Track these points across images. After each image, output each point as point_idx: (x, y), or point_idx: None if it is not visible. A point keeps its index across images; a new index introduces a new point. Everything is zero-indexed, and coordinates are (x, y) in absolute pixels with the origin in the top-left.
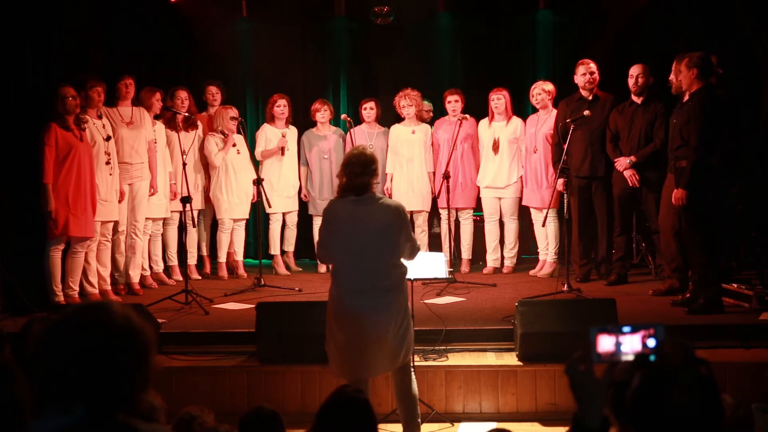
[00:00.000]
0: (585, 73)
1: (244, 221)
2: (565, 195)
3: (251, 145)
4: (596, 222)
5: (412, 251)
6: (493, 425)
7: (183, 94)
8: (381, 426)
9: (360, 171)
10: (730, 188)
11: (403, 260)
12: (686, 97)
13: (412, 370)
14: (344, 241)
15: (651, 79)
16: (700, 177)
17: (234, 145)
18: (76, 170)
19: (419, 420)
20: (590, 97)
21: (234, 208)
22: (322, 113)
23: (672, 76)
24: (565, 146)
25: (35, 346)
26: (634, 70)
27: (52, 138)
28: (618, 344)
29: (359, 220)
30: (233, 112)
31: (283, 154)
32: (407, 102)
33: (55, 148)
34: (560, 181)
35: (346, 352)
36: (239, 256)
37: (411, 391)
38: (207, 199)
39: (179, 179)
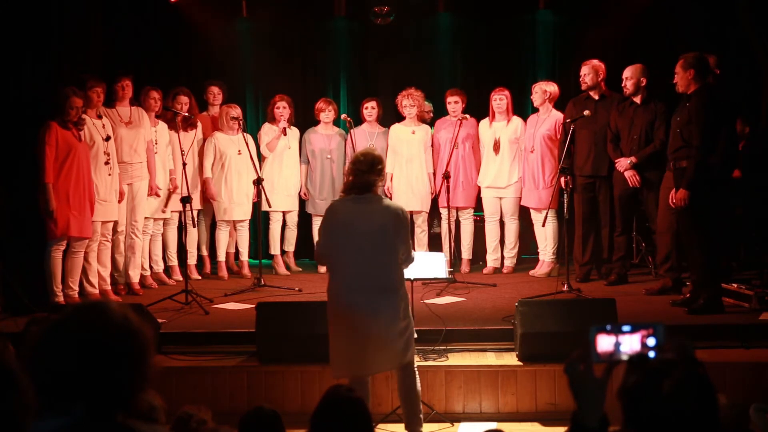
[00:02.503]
0: (582, 74)
1: (247, 222)
2: (565, 194)
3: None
4: (599, 221)
5: (407, 260)
6: (493, 425)
7: (184, 99)
8: (381, 426)
9: (366, 169)
10: (730, 188)
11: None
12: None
13: (416, 368)
14: (342, 239)
15: (644, 80)
16: (701, 177)
17: (285, 134)
18: (75, 170)
19: (421, 416)
20: (597, 97)
21: (235, 210)
22: (327, 113)
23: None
24: (566, 146)
25: (33, 347)
26: (624, 73)
27: (52, 137)
28: (617, 344)
29: (358, 218)
30: (234, 111)
31: (285, 134)
32: (410, 102)
33: (56, 148)
34: (561, 180)
35: (346, 351)
36: (244, 256)
37: (414, 390)
38: (206, 199)
39: (179, 179)
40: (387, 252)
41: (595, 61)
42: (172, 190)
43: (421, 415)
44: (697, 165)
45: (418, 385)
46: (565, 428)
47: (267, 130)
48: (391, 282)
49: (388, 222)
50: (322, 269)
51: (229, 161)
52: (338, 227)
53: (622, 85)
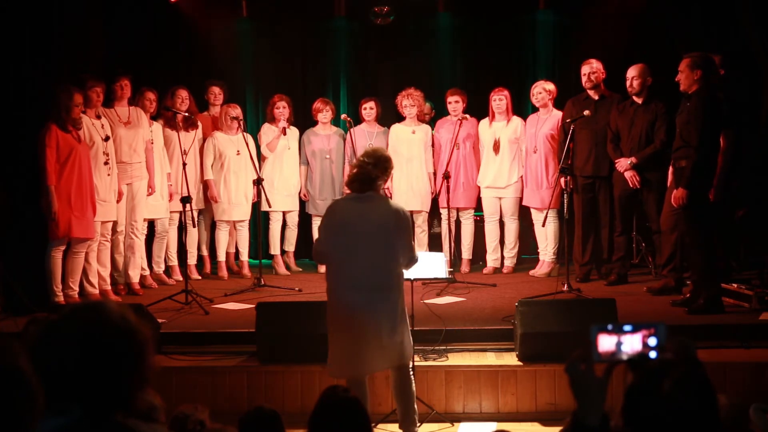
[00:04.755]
0: (585, 73)
1: (247, 222)
2: (565, 195)
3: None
4: (598, 222)
5: (410, 262)
6: (493, 425)
7: (183, 93)
8: (381, 426)
9: (372, 162)
10: (730, 188)
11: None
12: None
13: (412, 372)
14: (342, 238)
15: (649, 80)
16: (700, 177)
17: (285, 134)
18: (77, 171)
19: (416, 417)
20: (596, 97)
21: (234, 210)
22: (324, 113)
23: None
24: (566, 146)
25: (32, 347)
26: (629, 72)
27: (53, 140)
28: (618, 344)
29: (358, 218)
30: (234, 111)
31: (285, 134)
32: (410, 102)
33: (56, 150)
34: (561, 180)
35: (343, 351)
36: (244, 256)
37: (409, 390)
38: (206, 199)
39: (179, 179)
40: (386, 252)
41: (594, 61)
42: (170, 198)
43: (416, 416)
44: (695, 165)
45: (413, 386)
46: (560, 429)
47: (266, 131)
48: (389, 281)
49: (388, 221)
50: (322, 269)
51: (228, 161)
52: (338, 226)
53: (628, 84)
